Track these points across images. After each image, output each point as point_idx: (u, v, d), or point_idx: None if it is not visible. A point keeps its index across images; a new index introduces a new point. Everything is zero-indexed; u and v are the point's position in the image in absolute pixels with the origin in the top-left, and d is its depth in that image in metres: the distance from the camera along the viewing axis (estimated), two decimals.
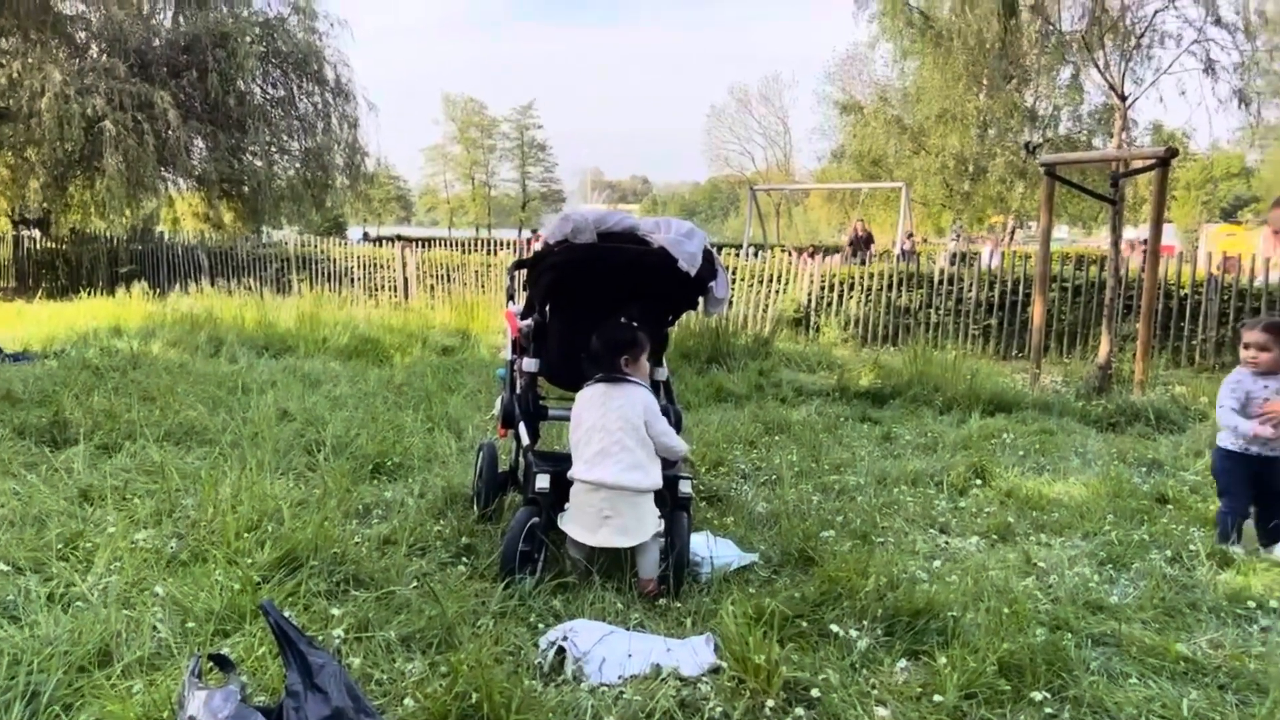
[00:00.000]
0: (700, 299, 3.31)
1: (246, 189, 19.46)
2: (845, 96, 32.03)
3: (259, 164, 19.34)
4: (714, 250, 3.20)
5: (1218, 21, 17.01)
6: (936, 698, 2.26)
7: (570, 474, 3.00)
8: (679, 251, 2.97)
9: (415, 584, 2.81)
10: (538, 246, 3.27)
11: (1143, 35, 17.18)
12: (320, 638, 2.39)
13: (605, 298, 3.21)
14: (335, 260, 15.54)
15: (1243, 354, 3.80)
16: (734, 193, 57.86)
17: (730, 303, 11.44)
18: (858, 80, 34.22)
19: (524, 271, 3.53)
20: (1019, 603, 2.84)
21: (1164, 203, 7.25)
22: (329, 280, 15.13)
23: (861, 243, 17.28)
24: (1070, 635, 2.71)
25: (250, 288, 13.12)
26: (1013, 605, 2.82)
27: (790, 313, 11.62)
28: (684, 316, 3.77)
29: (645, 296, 3.19)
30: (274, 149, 20.27)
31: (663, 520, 3.01)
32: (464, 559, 3.13)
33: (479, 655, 2.20)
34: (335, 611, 2.53)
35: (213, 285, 14.02)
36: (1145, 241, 9.34)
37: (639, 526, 2.91)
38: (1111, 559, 3.51)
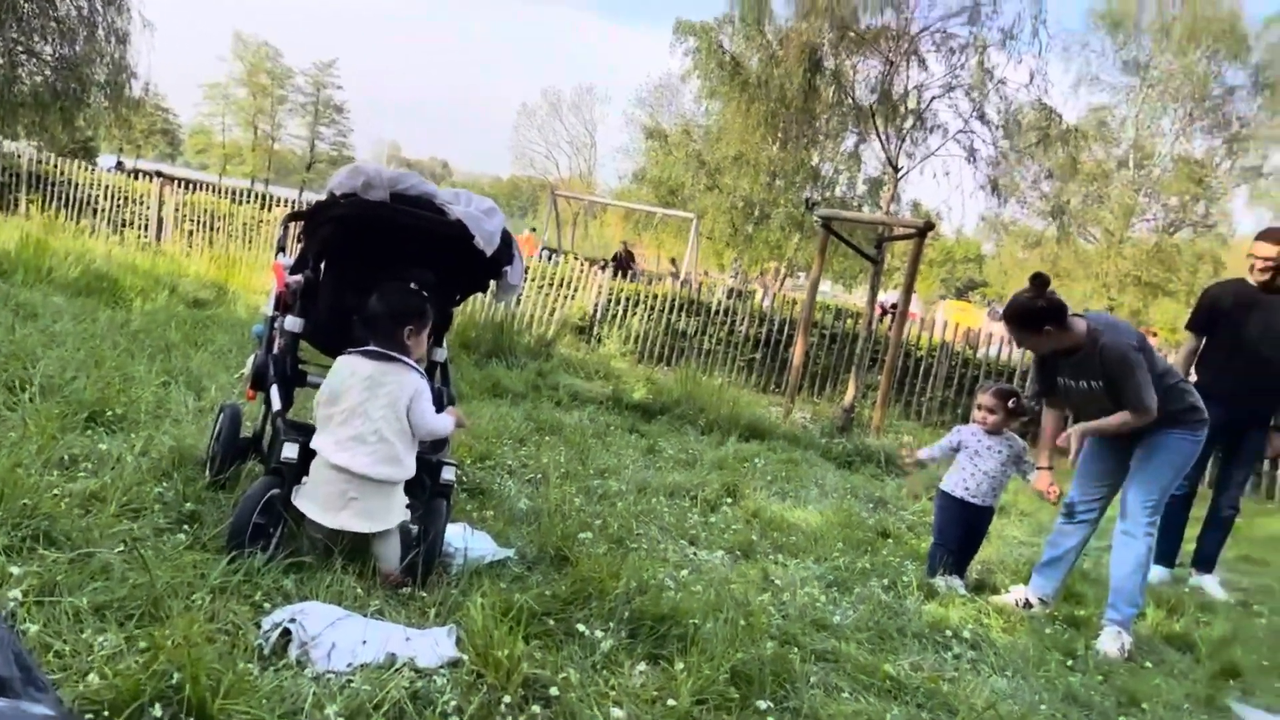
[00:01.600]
0: (493, 282, 3.19)
1: None
2: (652, 123, 33.01)
3: (0, 61, 16.76)
4: (512, 234, 3.11)
5: (982, 118, 19.28)
6: (670, 702, 2.29)
7: (314, 445, 2.74)
8: (477, 228, 2.84)
9: (122, 548, 2.46)
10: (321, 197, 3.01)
11: (921, 115, 19.11)
12: None
13: (389, 263, 2.99)
14: (78, 186, 13.75)
15: (975, 413, 4.26)
16: (535, 194, 57.69)
17: (518, 300, 11.35)
18: (666, 109, 35.44)
19: (299, 224, 3.25)
20: (755, 616, 2.97)
21: (917, 269, 8.05)
22: (67, 206, 13.37)
23: (623, 262, 18.63)
24: (796, 650, 2.87)
25: None
26: (749, 618, 2.94)
27: (576, 319, 11.70)
28: (468, 305, 3.62)
29: (433, 269, 3.02)
30: (21, 49, 17.65)
31: (413, 509, 2.85)
32: (186, 527, 2.80)
33: (188, 631, 1.95)
34: (15, 570, 2.16)
35: None
36: (894, 305, 10.37)
37: (384, 513, 2.74)
38: (837, 583, 3.77)
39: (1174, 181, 27.47)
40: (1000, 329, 9.86)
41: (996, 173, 19.92)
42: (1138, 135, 27.42)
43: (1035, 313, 3.65)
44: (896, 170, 19.10)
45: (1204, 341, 5.18)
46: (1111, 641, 3.64)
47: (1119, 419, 3.68)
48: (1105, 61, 27.64)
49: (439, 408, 2.96)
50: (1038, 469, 4.02)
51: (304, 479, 2.75)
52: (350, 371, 2.79)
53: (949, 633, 3.37)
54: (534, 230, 24.00)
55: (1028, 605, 3.94)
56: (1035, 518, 6.27)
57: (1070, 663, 3.34)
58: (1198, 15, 24.82)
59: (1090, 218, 26.01)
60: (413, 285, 2.84)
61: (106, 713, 1.74)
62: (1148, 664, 3.52)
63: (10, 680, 1.50)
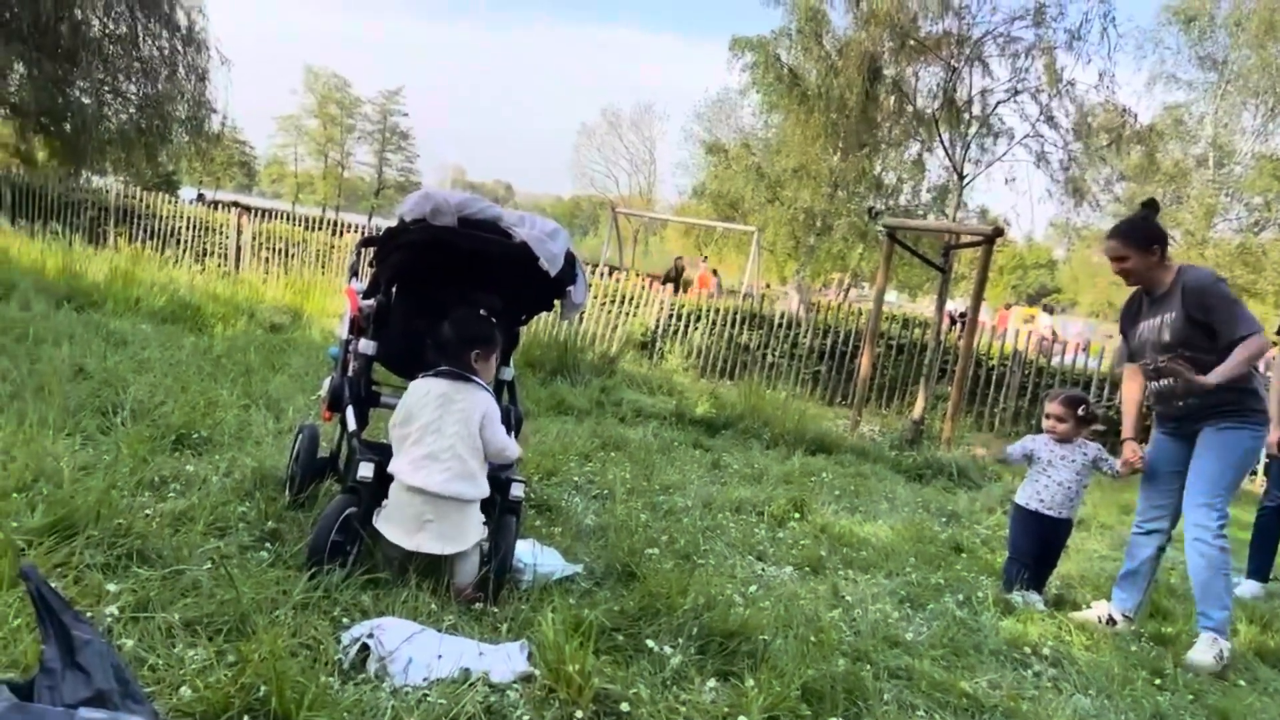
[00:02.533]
0: (557, 301, 3.24)
1: (69, 126, 17.73)
2: (711, 137, 33.08)
3: (87, 101, 17.68)
4: (576, 254, 3.16)
5: (1050, 120, 18.83)
6: (741, 719, 2.28)
7: (391, 469, 2.83)
8: (541, 249, 2.90)
9: (209, 566, 2.57)
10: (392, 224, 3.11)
11: (986, 120, 18.76)
12: (90, 614, 2.13)
13: (458, 287, 3.08)
14: (162, 218, 14.39)
15: (1044, 422, 4.16)
16: (595, 213, 58.30)
17: (581, 318, 11.46)
18: (724, 124, 35.48)
19: (371, 249, 3.35)
20: (825, 632, 2.94)
21: (986, 277, 7.88)
22: (152, 238, 13.98)
23: (674, 276, 18.64)
24: (869, 666, 2.82)
25: (58, 233, 11.90)
26: (819, 634, 2.91)
27: (639, 336, 11.75)
28: (533, 325, 3.67)
29: (500, 291, 3.09)
30: (107, 89, 18.62)
31: (487, 525, 2.91)
32: (268, 545, 2.90)
33: (273, 646, 2.02)
34: (111, 587, 2.28)
35: (13, 225, 12.61)
36: (963, 314, 10.15)
37: (460, 535, 2.79)
38: (910, 598, 3.71)
39: (1257, 179, 26.32)
40: (1074, 332, 9.57)
41: (1067, 176, 19.39)
42: (1216, 133, 26.38)
43: (1151, 230, 3.73)
44: (962, 177, 18.75)
45: None
46: (1207, 649, 3.49)
47: (1239, 356, 3.48)
48: (1180, 58, 26.72)
49: (507, 427, 3.02)
50: (1122, 440, 3.95)
51: (384, 501, 2.82)
52: (424, 391, 2.87)
53: (1028, 650, 3.28)
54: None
55: (1110, 621, 3.81)
56: (1116, 531, 6.06)
57: (1158, 682, 3.21)
58: (1275, 6, 23.83)
59: (1169, 219, 25.04)
60: (481, 311, 2.91)
61: None
62: (1241, 682, 3.36)
63: (109, 693, 1.59)
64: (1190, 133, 26.16)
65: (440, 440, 2.81)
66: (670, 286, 14.59)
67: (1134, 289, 3.92)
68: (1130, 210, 22.46)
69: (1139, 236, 3.72)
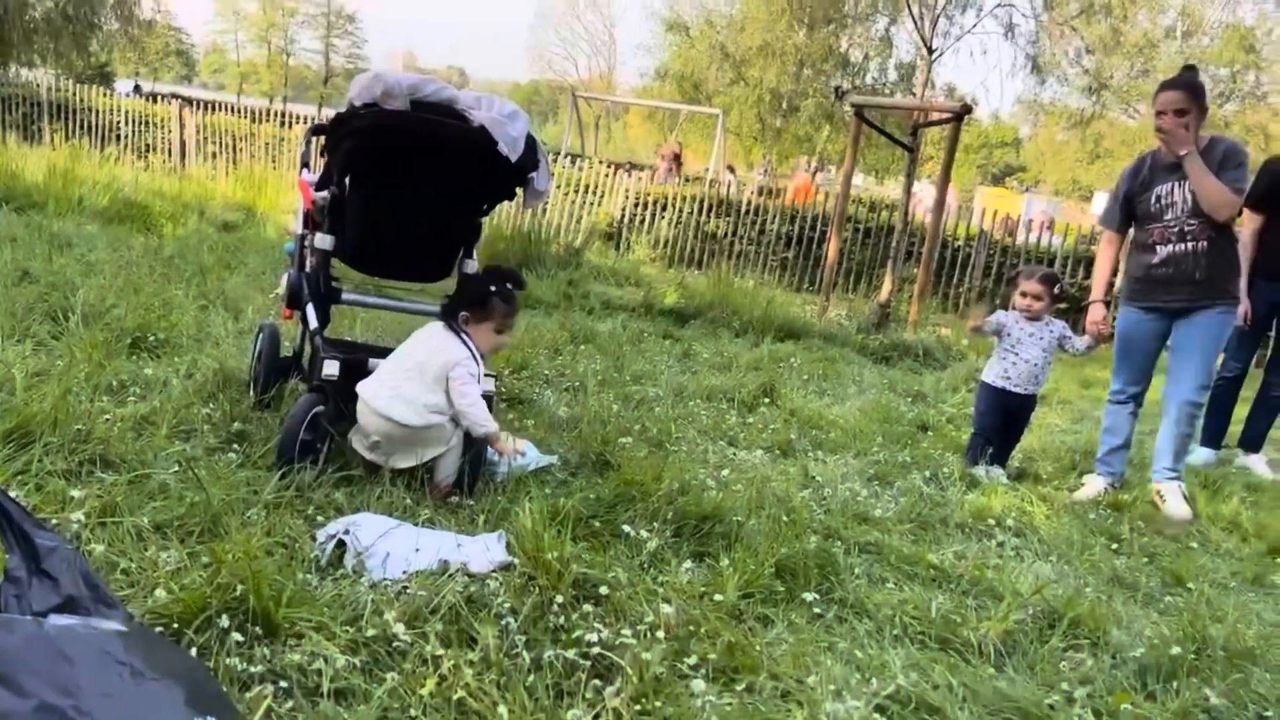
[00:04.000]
0: (519, 189, 3.12)
1: None
2: (673, 14, 31.79)
3: None
4: (537, 139, 3.02)
5: None
6: (717, 597, 2.34)
7: (358, 388, 2.76)
8: (500, 133, 2.76)
9: (176, 469, 2.53)
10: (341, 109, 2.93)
11: None
12: (56, 522, 2.09)
13: (413, 174, 2.94)
14: (99, 112, 13.68)
15: (1018, 300, 4.16)
16: (554, 98, 56.40)
17: (544, 209, 11.21)
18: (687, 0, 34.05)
19: (322, 138, 3.18)
20: (797, 512, 3.00)
21: (954, 154, 7.78)
22: (90, 134, 13.33)
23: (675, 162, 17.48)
24: (840, 543, 2.90)
25: None
26: (791, 514, 2.97)
27: (603, 226, 11.56)
28: (494, 217, 3.53)
29: (458, 178, 2.96)
30: None
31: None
32: (235, 446, 2.86)
33: (247, 546, 2.01)
34: (76, 493, 2.23)
35: None
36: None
37: (408, 452, 2.74)
38: (878, 477, 3.79)
39: (1224, 50, 26.05)
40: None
41: (1036, 49, 19.01)
42: (1185, 1, 25.90)
43: (1202, 89, 3.80)
44: (931, 52, 18.31)
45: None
46: (1180, 500, 3.86)
47: (1219, 186, 3.69)
48: None
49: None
50: (1091, 302, 4.12)
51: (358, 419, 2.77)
52: (421, 330, 2.89)
53: (992, 522, 3.38)
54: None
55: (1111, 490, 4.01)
56: (1075, 405, 6.21)
57: (1115, 546, 3.34)
58: None
59: (1135, 93, 24.80)
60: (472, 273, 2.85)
61: (175, 625, 1.81)
62: (1193, 545, 3.51)
63: (80, 599, 1.56)
64: (1160, 2, 25.63)
65: (401, 363, 2.80)
66: (665, 169, 14.03)
67: (1140, 155, 4.06)
68: (1096, 84, 22.22)
69: (1201, 92, 3.78)
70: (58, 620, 1.42)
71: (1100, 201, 32.25)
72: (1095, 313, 4.06)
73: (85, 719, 1.30)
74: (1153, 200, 3.90)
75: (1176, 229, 3.84)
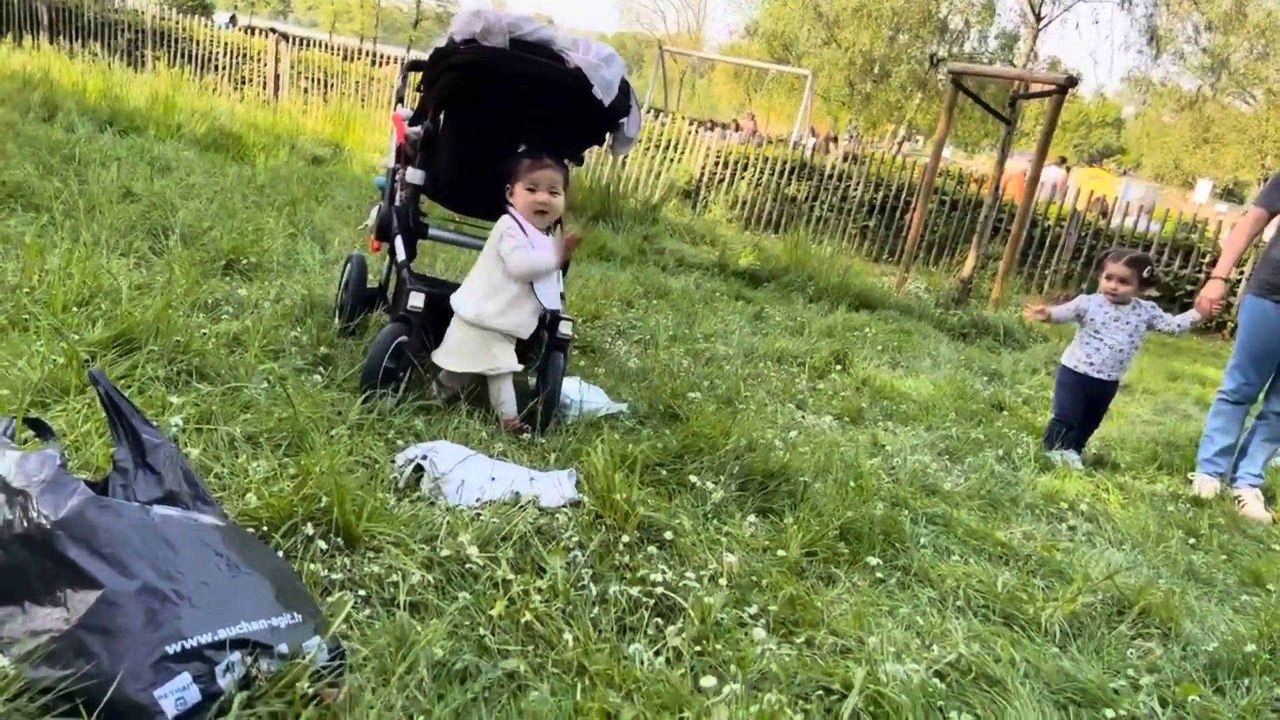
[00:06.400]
0: (609, 134, 3.12)
1: None
2: None
3: None
4: (630, 84, 3.00)
5: None
6: (780, 552, 2.35)
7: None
8: (596, 77, 2.75)
9: (266, 385, 2.63)
10: (441, 44, 2.95)
11: None
12: (156, 423, 2.20)
13: (508, 114, 2.96)
14: (199, 42, 14.03)
15: (1104, 283, 4.01)
16: (640, 52, 55.81)
17: (623, 162, 11.17)
18: None
19: (419, 73, 3.22)
20: (864, 478, 2.97)
21: (1054, 129, 7.48)
22: (190, 62, 13.69)
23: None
24: (906, 512, 2.87)
25: (96, 55, 11.67)
26: (858, 480, 2.95)
27: (682, 184, 11.48)
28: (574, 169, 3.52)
29: (552, 119, 2.97)
30: None
31: (535, 359, 2.94)
32: (321, 369, 2.96)
33: (332, 461, 2.09)
34: (174, 399, 2.34)
35: (52, 44, 12.38)
36: (1022, 171, 9.68)
37: (455, 351, 2.87)
38: (949, 451, 3.73)
39: None
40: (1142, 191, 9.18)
41: (1153, 21, 18.01)
42: None
43: None
44: (1039, 19, 17.50)
45: None
46: (1259, 503, 3.74)
47: None
48: None
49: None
50: (1212, 277, 3.89)
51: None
52: None
53: (1064, 505, 3.31)
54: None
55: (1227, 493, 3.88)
56: (1160, 396, 6.00)
57: (1192, 541, 3.24)
58: None
59: (1253, 76, 23.36)
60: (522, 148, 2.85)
61: (265, 529, 1.90)
62: (1276, 547, 3.38)
63: (180, 494, 1.64)
64: None
65: (478, 266, 2.94)
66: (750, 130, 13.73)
67: None
68: (1216, 64, 20.95)
69: None
70: (162, 510, 1.51)
71: (1203, 190, 30.66)
72: (1214, 290, 3.83)
73: (184, 603, 1.38)
74: None
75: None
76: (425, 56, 3.14)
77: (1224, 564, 3.09)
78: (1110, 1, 17.70)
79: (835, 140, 19.20)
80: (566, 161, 3.00)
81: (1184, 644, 2.35)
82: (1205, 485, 3.88)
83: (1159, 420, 5.20)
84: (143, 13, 14.87)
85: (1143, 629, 2.38)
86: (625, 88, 2.94)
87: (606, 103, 2.85)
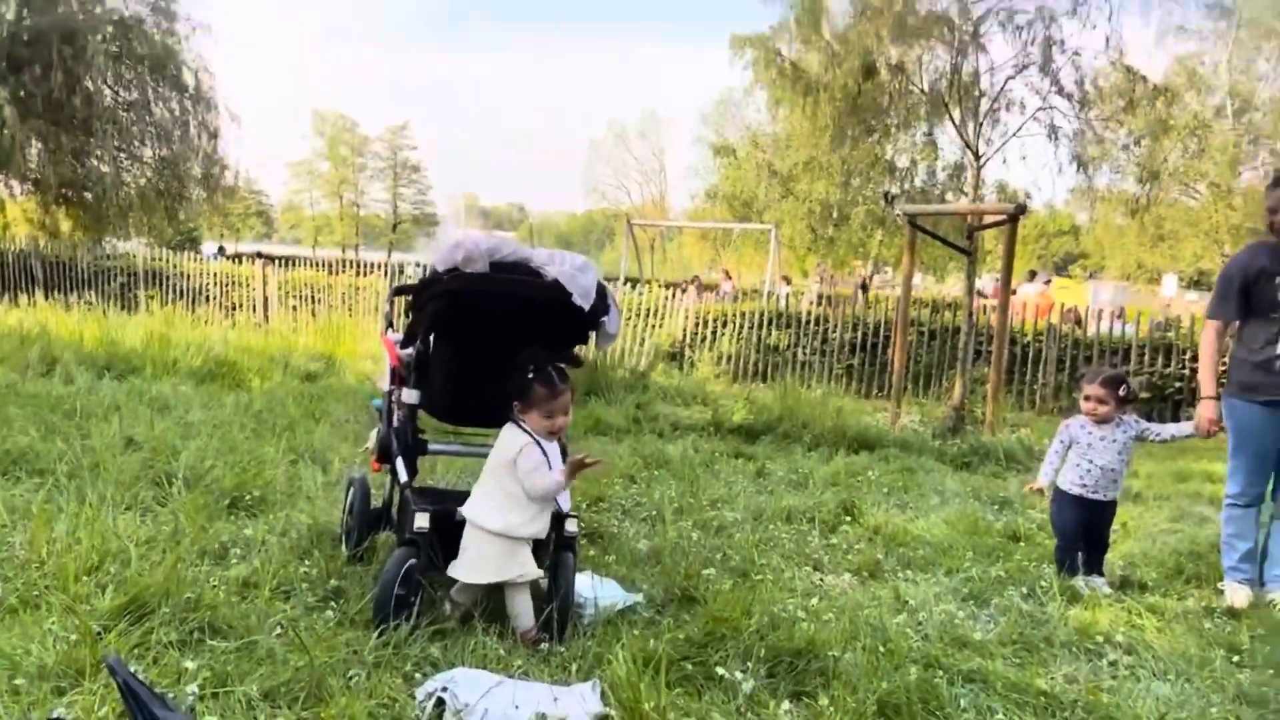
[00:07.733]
0: (592, 334, 3.26)
1: (90, 195, 18.14)
2: (719, 139, 33.03)
3: (105, 169, 18.06)
4: (606, 284, 3.17)
5: (1060, 91, 18.60)
6: None
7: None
8: (573, 285, 2.92)
9: (279, 632, 2.61)
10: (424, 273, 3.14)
11: (995, 100, 18.58)
12: (173, 694, 2.17)
13: (494, 330, 3.12)
14: (189, 276, 14.64)
15: (1083, 404, 4.09)
16: (610, 225, 58.44)
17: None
18: (731, 124, 35.41)
19: (404, 298, 3.39)
20: (894, 641, 2.92)
21: (1013, 255, 7.81)
22: (182, 297, 14.22)
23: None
24: (941, 673, 2.79)
25: (91, 302, 12.14)
26: (887, 644, 2.89)
27: (666, 347, 11.77)
28: None
29: (537, 329, 3.12)
30: (124, 155, 19.02)
31: (544, 561, 2.94)
32: (333, 603, 2.94)
33: (352, 709, 2.05)
34: (189, 664, 2.32)
35: (47, 299, 12.88)
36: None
37: (478, 564, 2.85)
38: (973, 595, 3.67)
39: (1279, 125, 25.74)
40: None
41: (1081, 146, 19.13)
42: (1233, 81, 25.88)
43: None
44: (978, 157, 18.56)
45: None
46: None
47: None
48: (1187, 7, 26.25)
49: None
50: (1203, 398, 3.91)
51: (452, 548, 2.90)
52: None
53: (1100, 638, 3.23)
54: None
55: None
56: (1174, 501, 5.95)
57: (1236, 659, 3.15)
58: None
59: (1193, 173, 24.55)
60: (530, 365, 2.95)
61: None
62: None
63: None
64: (1206, 83, 25.69)
65: (486, 476, 2.97)
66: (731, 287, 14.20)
67: (1251, 245, 4.02)
68: (1148, 175, 22.07)
69: None
70: None
71: (1170, 284, 31.45)
72: (1208, 410, 3.88)
73: None
74: (1276, 290, 3.78)
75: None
76: (411, 283, 3.32)
77: (1272, 679, 2.99)
78: (1039, 134, 18.66)
79: (865, 288, 20.11)
80: (564, 366, 3.10)
81: None
82: (1237, 595, 3.81)
83: (1176, 528, 5.14)
84: (134, 256, 15.58)
85: None
86: (601, 290, 3.10)
87: (586, 308, 3.00)
